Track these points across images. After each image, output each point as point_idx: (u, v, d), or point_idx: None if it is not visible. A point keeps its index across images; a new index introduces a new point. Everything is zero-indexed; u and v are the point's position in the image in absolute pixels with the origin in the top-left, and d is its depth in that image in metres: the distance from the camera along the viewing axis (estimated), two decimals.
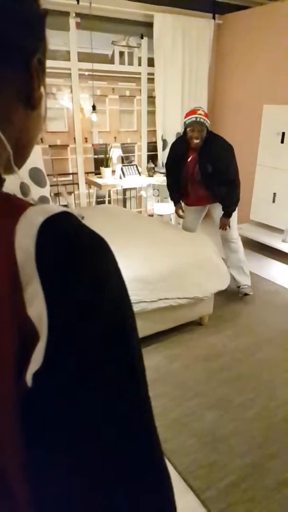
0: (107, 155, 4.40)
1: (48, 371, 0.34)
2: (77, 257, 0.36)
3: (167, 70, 4.47)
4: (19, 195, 0.41)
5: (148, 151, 5.19)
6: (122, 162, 4.82)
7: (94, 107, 4.28)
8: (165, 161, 3.42)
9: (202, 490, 1.72)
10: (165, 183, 3.44)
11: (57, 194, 3.93)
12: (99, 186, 4.29)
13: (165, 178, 3.51)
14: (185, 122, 2.90)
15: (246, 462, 1.85)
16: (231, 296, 3.37)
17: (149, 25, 4.27)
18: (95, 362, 0.36)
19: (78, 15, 3.91)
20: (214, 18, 4.60)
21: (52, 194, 3.92)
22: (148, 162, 4.82)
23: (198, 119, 2.82)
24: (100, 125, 18.20)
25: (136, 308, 2.42)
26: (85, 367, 0.35)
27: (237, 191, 3.03)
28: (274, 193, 4.25)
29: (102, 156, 4.51)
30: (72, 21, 3.93)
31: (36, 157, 3.40)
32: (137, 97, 18.41)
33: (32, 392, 0.35)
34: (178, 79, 4.56)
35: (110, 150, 4.45)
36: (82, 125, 4.50)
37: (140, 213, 5.39)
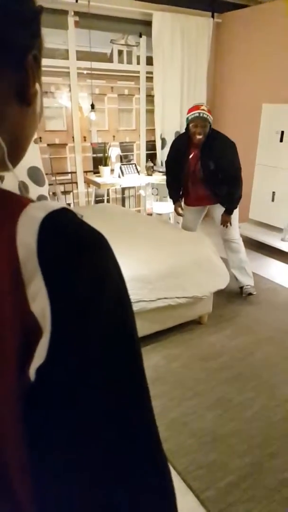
0: (106, 154, 4.39)
1: (51, 366, 0.34)
2: (77, 254, 0.36)
3: (166, 69, 4.46)
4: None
5: (147, 150, 5.19)
6: (121, 161, 4.82)
7: (92, 106, 4.27)
8: (164, 160, 3.41)
9: (202, 490, 1.71)
10: (164, 182, 3.42)
11: (55, 194, 3.93)
12: (97, 185, 4.28)
13: (164, 177, 3.49)
14: (188, 118, 2.87)
15: (245, 462, 1.85)
16: (230, 295, 3.37)
17: (147, 23, 4.26)
18: (96, 359, 0.36)
19: (76, 13, 3.90)
20: (213, 16, 4.59)
21: (51, 193, 3.91)
22: (147, 161, 4.81)
23: (201, 115, 2.80)
24: (99, 124, 18.20)
25: (135, 307, 2.42)
26: (86, 364, 0.36)
27: (239, 188, 3.01)
28: (273, 192, 4.25)
29: (101, 155, 4.51)
30: (71, 20, 3.92)
31: (35, 156, 3.39)
32: (135, 96, 18.40)
33: (34, 388, 0.35)
34: (177, 78, 4.55)
35: (108, 149, 4.44)
36: (81, 124, 4.49)
37: (139, 212, 5.38)
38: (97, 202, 4.97)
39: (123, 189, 10.21)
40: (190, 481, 1.75)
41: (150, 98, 4.73)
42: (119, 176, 4.42)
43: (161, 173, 4.59)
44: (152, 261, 2.58)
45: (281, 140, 4.05)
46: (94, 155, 14.53)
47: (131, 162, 4.61)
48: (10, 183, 0.51)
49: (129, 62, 5.65)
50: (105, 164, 4.38)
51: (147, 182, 4.63)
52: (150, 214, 4.74)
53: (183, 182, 3.15)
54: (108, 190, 4.82)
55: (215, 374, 2.47)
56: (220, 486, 1.73)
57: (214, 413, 2.15)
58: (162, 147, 4.76)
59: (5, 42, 0.39)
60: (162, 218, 4.68)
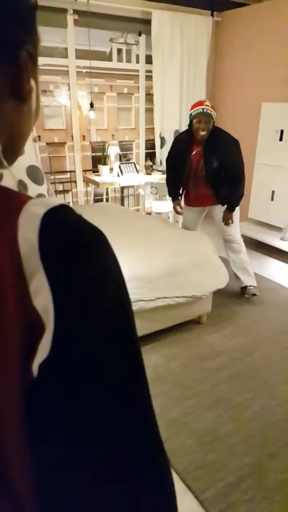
0: (105, 153, 4.38)
1: (54, 361, 0.35)
2: (77, 251, 0.36)
3: (165, 67, 4.45)
4: None
5: (146, 149, 5.18)
6: (120, 160, 4.80)
7: (92, 105, 4.25)
8: (163, 159, 3.39)
9: (201, 490, 1.71)
10: (163, 181, 3.39)
11: (49, 192, 3.93)
12: (96, 184, 4.27)
13: (163, 175, 3.47)
14: (191, 114, 2.84)
15: (245, 462, 1.85)
16: (230, 295, 3.36)
17: (147, 22, 4.25)
18: (97, 355, 0.36)
19: (76, 12, 3.89)
20: (212, 15, 4.58)
21: (49, 192, 3.90)
22: (146, 160, 4.80)
23: (205, 110, 2.78)
24: (98, 123, 18.18)
25: (134, 307, 2.41)
26: (87, 361, 0.36)
27: (242, 186, 2.99)
28: (273, 191, 4.25)
29: (100, 154, 4.50)
30: (70, 18, 3.91)
31: (34, 155, 3.38)
32: (135, 95, 18.38)
33: (37, 383, 0.35)
34: (176, 76, 4.54)
35: (108, 148, 4.43)
36: (80, 122, 4.48)
37: (138, 211, 5.38)
38: (96, 201, 4.96)
39: (122, 188, 10.21)
40: (189, 482, 1.75)
41: (149, 97, 4.72)
42: (118, 175, 4.41)
43: (160, 172, 4.58)
44: (151, 260, 2.57)
45: (280, 139, 4.04)
46: (93, 154, 14.54)
47: (130, 161, 4.60)
48: (9, 182, 0.50)
49: (128, 60, 5.64)
50: (104, 163, 4.37)
51: (146, 181, 4.62)
52: (149, 213, 4.74)
53: (184, 181, 3.13)
54: (107, 189, 4.81)
55: (214, 373, 2.46)
56: (219, 487, 1.72)
57: (213, 413, 2.15)
58: (161, 146, 4.75)
59: None
60: (161, 217, 4.68)
